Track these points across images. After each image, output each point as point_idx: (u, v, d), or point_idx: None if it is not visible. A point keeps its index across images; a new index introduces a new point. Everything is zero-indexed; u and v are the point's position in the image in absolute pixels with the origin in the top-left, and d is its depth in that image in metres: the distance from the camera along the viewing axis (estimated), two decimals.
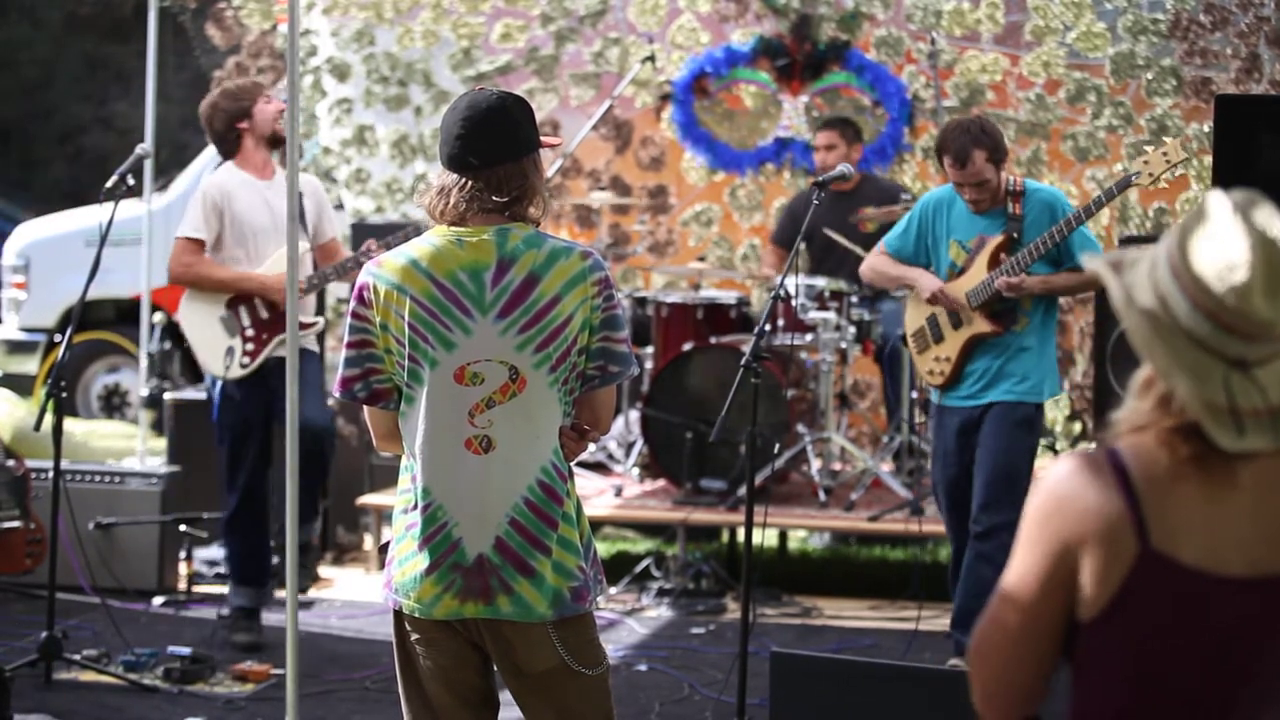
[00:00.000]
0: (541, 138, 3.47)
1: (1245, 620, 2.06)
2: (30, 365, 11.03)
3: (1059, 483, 2.09)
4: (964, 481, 5.83)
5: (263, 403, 6.40)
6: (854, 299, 7.92)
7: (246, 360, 6.36)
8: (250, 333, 6.38)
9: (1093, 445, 2.21)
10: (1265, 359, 1.99)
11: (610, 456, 8.52)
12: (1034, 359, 5.76)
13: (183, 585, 7.27)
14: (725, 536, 8.18)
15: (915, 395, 7.82)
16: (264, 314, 6.39)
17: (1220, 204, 2.03)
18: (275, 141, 6.43)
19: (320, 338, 6.96)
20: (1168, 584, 2.05)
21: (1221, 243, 2.00)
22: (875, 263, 6.09)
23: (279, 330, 6.33)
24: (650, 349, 8.25)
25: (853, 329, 7.88)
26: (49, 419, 5.92)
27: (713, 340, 7.88)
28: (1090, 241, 5.72)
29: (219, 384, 6.42)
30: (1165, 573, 2.05)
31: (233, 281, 6.36)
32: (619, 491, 8.00)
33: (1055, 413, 8.63)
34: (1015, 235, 5.71)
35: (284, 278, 6.26)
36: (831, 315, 7.78)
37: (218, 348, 6.38)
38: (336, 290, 8.98)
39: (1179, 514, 2.05)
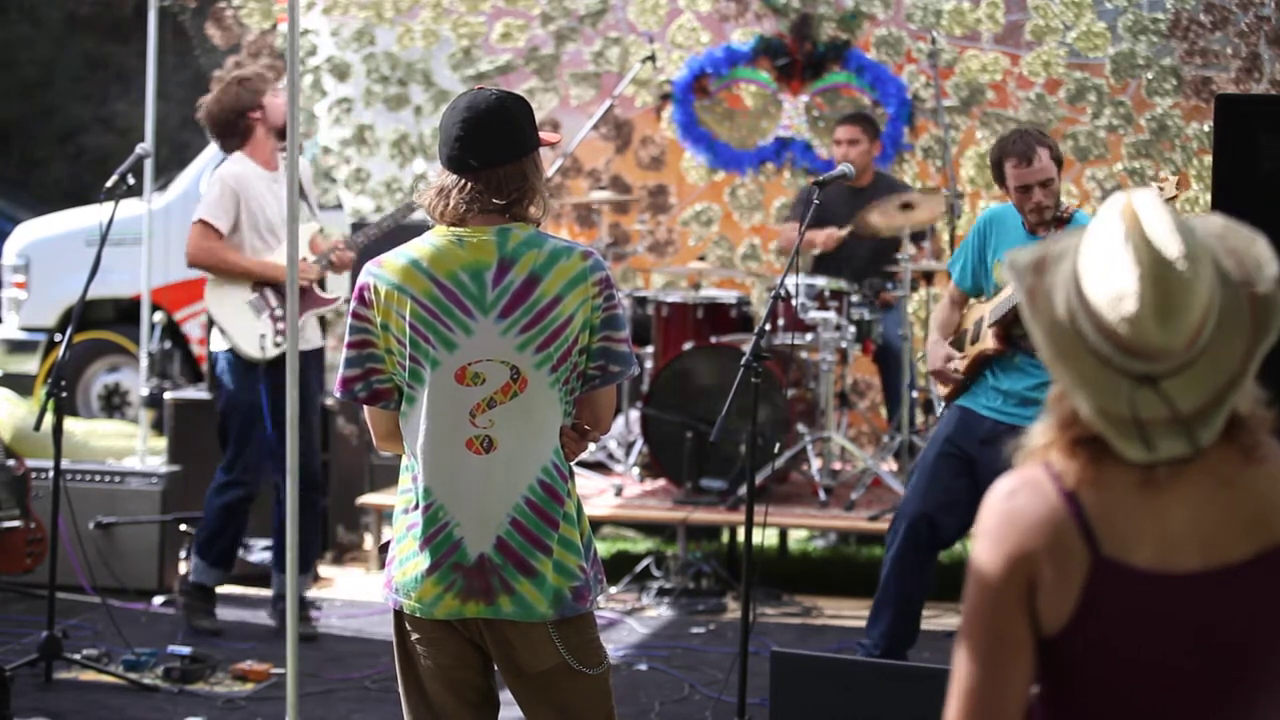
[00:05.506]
0: (541, 135, 3.48)
1: (1212, 614, 2.04)
2: (30, 365, 11.02)
3: (1004, 500, 2.09)
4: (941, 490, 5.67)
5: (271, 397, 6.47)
6: (854, 298, 7.93)
7: (280, 340, 6.43)
8: (279, 313, 6.46)
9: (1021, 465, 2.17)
10: (1172, 372, 1.99)
11: (610, 456, 8.51)
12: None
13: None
14: (725, 536, 8.18)
15: (915, 395, 7.82)
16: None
17: (1110, 223, 2.01)
18: (284, 133, 6.44)
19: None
20: (1126, 590, 2.04)
21: (1110, 270, 1.99)
22: (939, 306, 5.94)
23: (308, 306, 6.49)
24: (650, 349, 8.25)
25: (853, 329, 7.88)
26: (49, 419, 5.92)
27: (713, 340, 7.88)
28: None
29: (230, 368, 6.49)
30: (1121, 579, 2.04)
31: (255, 269, 6.47)
32: (619, 491, 8.00)
33: None
34: None
35: (302, 268, 6.38)
36: (831, 315, 7.77)
37: (251, 331, 6.47)
38: (336, 290, 8.95)
39: (1124, 518, 2.05)
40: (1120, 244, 1.99)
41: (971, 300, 5.76)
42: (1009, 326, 5.54)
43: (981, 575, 2.08)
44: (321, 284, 6.68)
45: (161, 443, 8.82)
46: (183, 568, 7.32)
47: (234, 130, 6.51)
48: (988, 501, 2.11)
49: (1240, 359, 2.00)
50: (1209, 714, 2.07)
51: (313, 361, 6.60)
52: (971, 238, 5.73)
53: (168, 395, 8.17)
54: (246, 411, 6.49)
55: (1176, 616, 2.04)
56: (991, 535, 2.08)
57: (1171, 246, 1.98)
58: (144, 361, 9.25)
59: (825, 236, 7.95)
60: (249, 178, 6.49)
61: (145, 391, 9.21)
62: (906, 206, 7.69)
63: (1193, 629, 2.04)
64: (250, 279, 6.48)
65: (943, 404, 5.90)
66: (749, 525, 4.90)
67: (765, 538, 7.27)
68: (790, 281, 7.15)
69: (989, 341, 5.60)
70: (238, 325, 6.48)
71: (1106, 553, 2.04)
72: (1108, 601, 2.04)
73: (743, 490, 6.54)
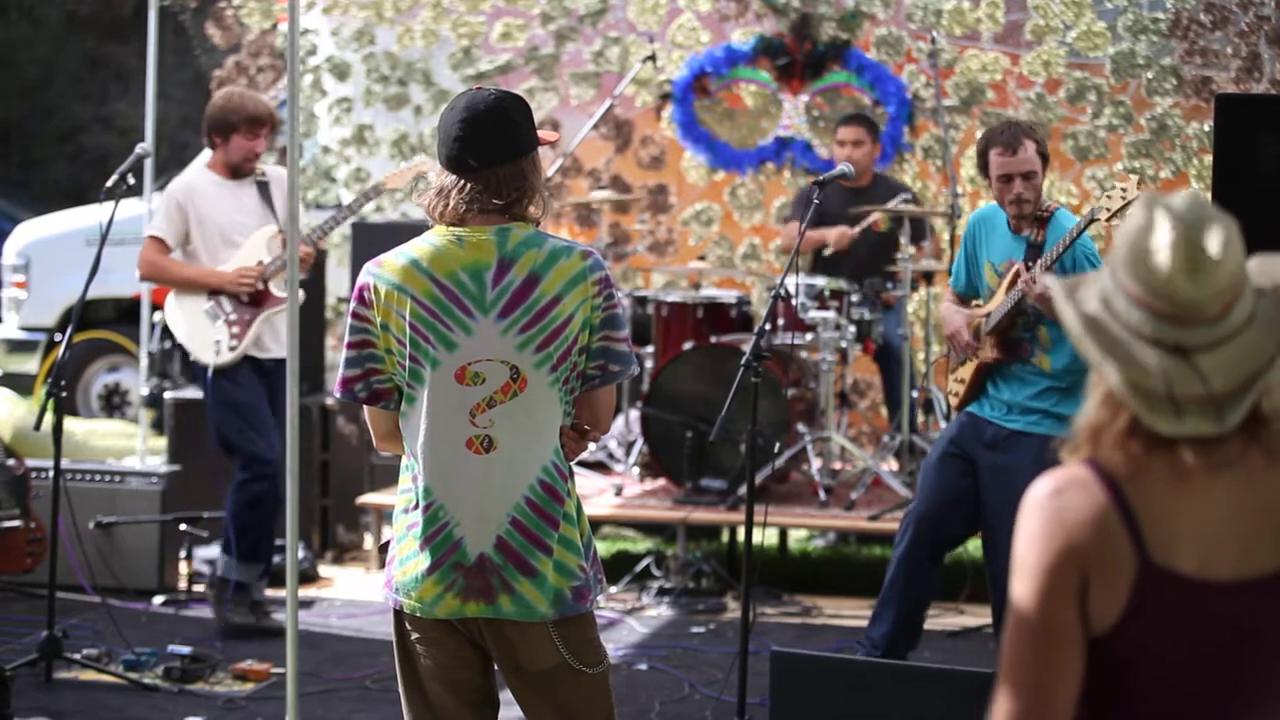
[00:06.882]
0: (540, 134, 3.48)
1: (1244, 624, 2.07)
2: (30, 365, 11.02)
3: (1050, 499, 2.08)
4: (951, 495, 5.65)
5: (260, 391, 6.62)
6: (854, 298, 7.93)
7: (234, 343, 6.56)
8: (233, 317, 6.58)
9: (1064, 460, 2.18)
10: (1206, 346, 2.01)
11: (610, 456, 8.51)
12: (1061, 399, 5.43)
13: (183, 585, 7.26)
14: (725, 536, 8.17)
15: (915, 395, 7.82)
16: (243, 298, 6.60)
17: (1147, 205, 2.07)
18: (237, 172, 6.64)
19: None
20: (1172, 595, 2.06)
21: (1142, 235, 2.04)
22: (942, 304, 5.94)
23: (259, 309, 6.60)
24: (650, 348, 8.25)
25: (853, 328, 7.88)
26: (49, 418, 5.93)
27: (713, 340, 7.88)
28: (1093, 254, 5.47)
29: (211, 377, 6.58)
30: (1168, 584, 2.06)
31: (196, 278, 6.58)
32: (619, 491, 8.00)
33: None
34: (1030, 265, 5.41)
35: (242, 272, 6.55)
36: (831, 315, 7.77)
37: (206, 339, 6.58)
38: (336, 289, 8.98)
39: (1169, 522, 2.06)
40: (1151, 211, 2.04)
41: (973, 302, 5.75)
42: (1005, 333, 5.54)
43: (1033, 574, 2.07)
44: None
45: (161, 442, 8.83)
46: (183, 568, 7.33)
47: (207, 135, 6.70)
48: (1030, 501, 2.10)
49: (1272, 352, 2.03)
50: (1238, 708, 2.10)
51: (282, 372, 6.58)
52: (964, 239, 5.72)
53: (168, 395, 8.18)
54: (239, 412, 6.56)
55: (1215, 620, 2.07)
56: (1039, 534, 2.07)
57: (1202, 210, 2.03)
58: (144, 361, 9.25)
59: (838, 234, 7.90)
60: (198, 187, 6.63)
61: (145, 391, 9.20)
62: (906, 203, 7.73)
63: (1230, 630, 2.07)
64: (194, 288, 6.58)
65: (944, 402, 5.89)
66: (749, 525, 4.90)
67: (765, 537, 7.27)
68: (790, 281, 7.16)
69: (988, 351, 5.58)
70: (193, 334, 6.60)
71: (1153, 556, 2.05)
72: (1153, 605, 2.06)
73: (742, 490, 6.54)
